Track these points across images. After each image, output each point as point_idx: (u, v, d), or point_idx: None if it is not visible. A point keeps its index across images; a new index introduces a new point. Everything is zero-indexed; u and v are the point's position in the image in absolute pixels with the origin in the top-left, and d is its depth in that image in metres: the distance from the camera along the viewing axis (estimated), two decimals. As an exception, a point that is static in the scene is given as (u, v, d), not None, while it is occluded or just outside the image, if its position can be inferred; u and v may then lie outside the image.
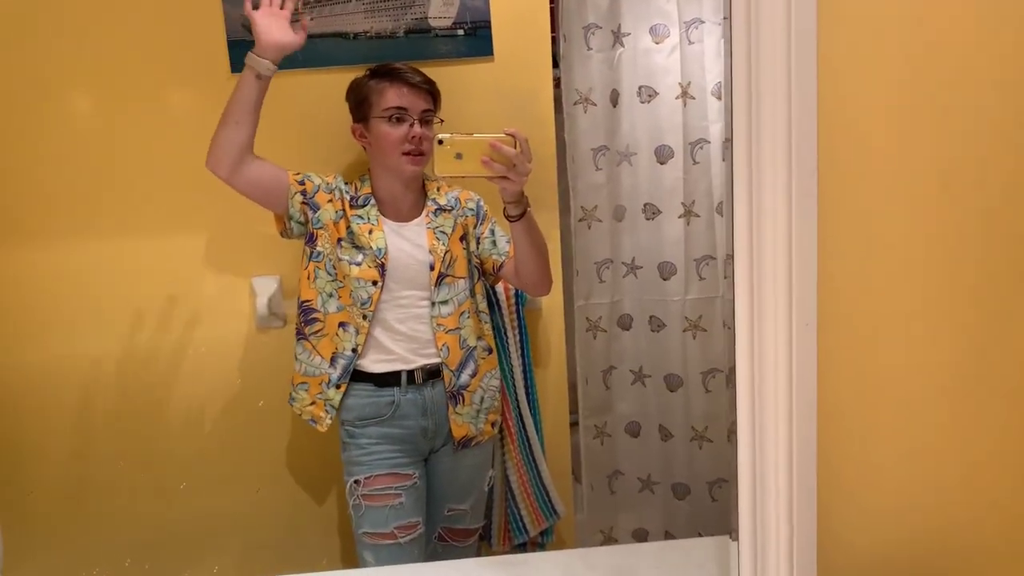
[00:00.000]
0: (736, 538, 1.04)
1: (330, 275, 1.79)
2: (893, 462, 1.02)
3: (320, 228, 1.78)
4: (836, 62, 0.92)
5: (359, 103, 1.78)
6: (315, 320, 1.80)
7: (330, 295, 1.79)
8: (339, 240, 1.77)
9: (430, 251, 1.79)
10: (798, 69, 0.91)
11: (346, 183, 1.82)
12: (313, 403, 1.81)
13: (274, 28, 1.63)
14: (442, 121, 1.81)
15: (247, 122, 1.67)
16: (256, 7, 1.65)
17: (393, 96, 1.75)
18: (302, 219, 1.79)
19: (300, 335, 1.82)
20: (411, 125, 1.74)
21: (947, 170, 0.96)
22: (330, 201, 1.78)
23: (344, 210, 1.78)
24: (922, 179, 0.96)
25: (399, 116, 1.74)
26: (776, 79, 0.92)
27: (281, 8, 1.66)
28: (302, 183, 1.78)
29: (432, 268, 1.79)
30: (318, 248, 1.79)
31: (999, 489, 1.04)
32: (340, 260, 1.77)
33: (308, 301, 1.80)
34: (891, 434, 1.01)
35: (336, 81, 1.89)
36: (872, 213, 0.97)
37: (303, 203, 1.78)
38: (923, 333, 1.00)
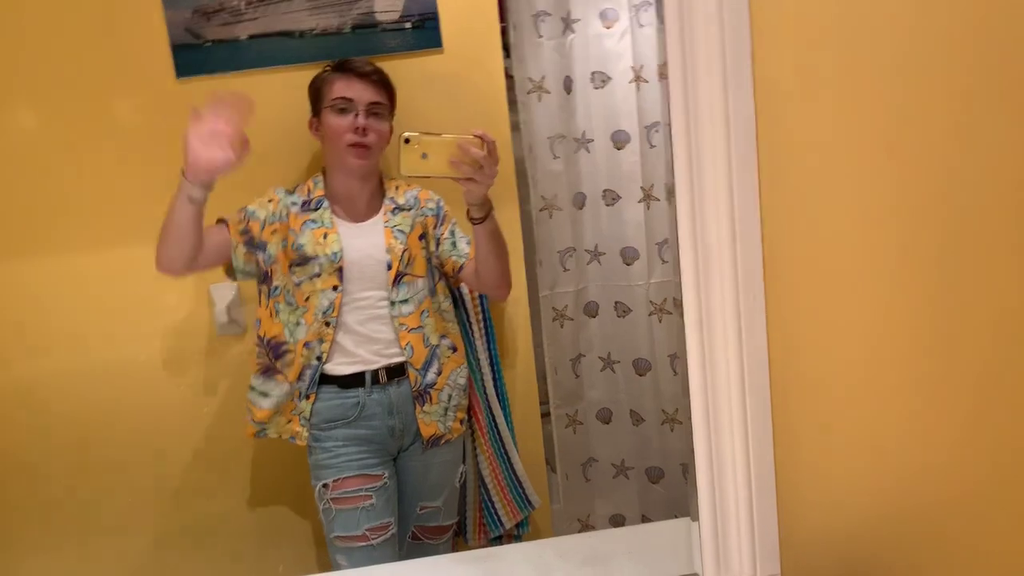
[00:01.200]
0: (696, 519, 1.04)
1: (291, 304, 1.76)
2: (849, 436, 1.02)
3: (273, 263, 1.76)
4: (770, 33, 0.92)
5: (313, 96, 1.78)
6: (286, 352, 1.77)
7: (297, 323, 1.76)
8: (291, 265, 1.74)
9: (387, 250, 1.77)
10: (732, 43, 0.91)
11: (290, 191, 1.80)
12: (289, 421, 1.79)
13: (202, 149, 1.49)
14: (393, 114, 1.79)
15: (189, 238, 1.60)
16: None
17: (340, 86, 1.73)
18: (250, 268, 1.77)
19: (269, 371, 1.78)
20: (356, 115, 1.72)
21: (890, 136, 0.96)
22: (275, 231, 1.75)
23: (282, 216, 1.75)
24: (867, 147, 0.96)
25: (343, 107, 1.73)
26: (711, 56, 0.92)
27: (220, 124, 1.49)
28: (245, 231, 1.75)
29: (390, 267, 1.77)
30: (275, 283, 1.76)
31: (956, 464, 1.04)
32: (298, 286, 1.74)
33: (275, 337, 1.77)
34: (846, 408, 1.01)
35: (284, 81, 1.88)
36: (816, 185, 0.96)
37: (247, 252, 1.75)
38: (875, 306, 1.00)
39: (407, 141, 1.53)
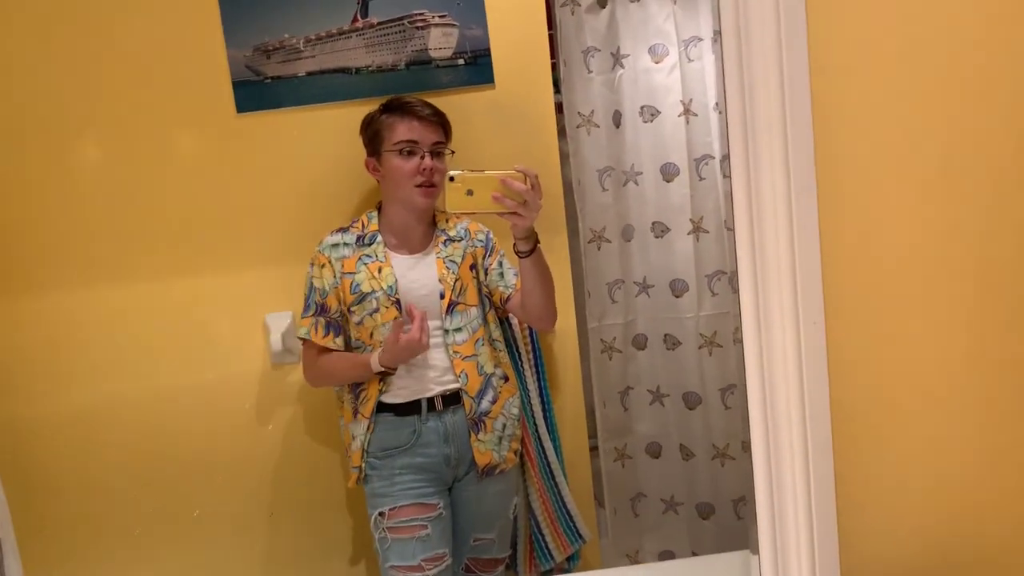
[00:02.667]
0: (757, 551, 1.03)
1: (359, 346, 1.82)
2: (910, 463, 1.00)
3: (340, 317, 1.83)
4: (828, 62, 0.93)
5: (371, 138, 1.81)
6: (363, 391, 1.81)
7: None
8: (350, 306, 1.79)
9: (440, 280, 1.80)
10: (790, 75, 0.91)
11: (344, 229, 1.84)
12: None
13: (406, 357, 1.74)
14: (453, 152, 1.82)
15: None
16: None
17: (404, 130, 1.77)
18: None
19: (356, 414, 1.83)
20: (422, 157, 1.76)
21: (946, 160, 0.96)
22: (335, 288, 1.81)
23: (338, 275, 1.80)
24: (921, 170, 0.96)
25: (410, 149, 1.76)
26: (769, 88, 0.93)
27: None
28: (328, 318, 1.82)
29: (443, 296, 1.79)
30: (349, 330, 1.82)
31: (1020, 482, 1.02)
32: (360, 324, 1.79)
33: (360, 382, 1.82)
34: (907, 433, 1.00)
35: (340, 116, 1.92)
36: (873, 210, 0.96)
37: (339, 328, 1.83)
38: (932, 327, 0.99)
39: (452, 179, 1.56)
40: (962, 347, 0.99)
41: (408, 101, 1.80)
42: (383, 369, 1.75)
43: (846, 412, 0.98)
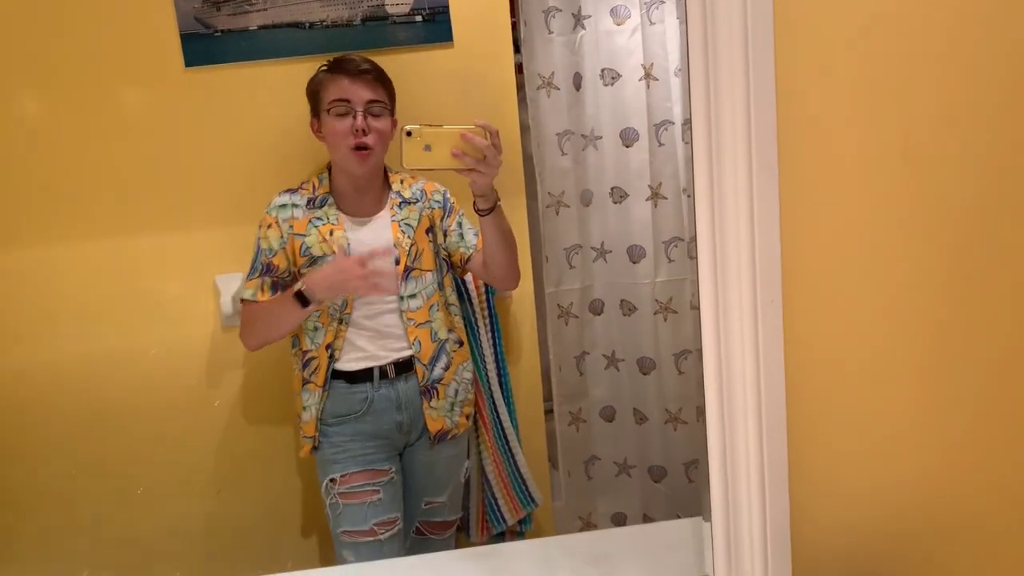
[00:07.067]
0: (709, 519, 1.04)
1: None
2: (864, 437, 1.01)
3: (289, 278, 1.76)
4: (793, 34, 0.91)
5: (311, 98, 1.75)
6: (312, 359, 1.77)
7: (315, 328, 1.76)
8: (299, 269, 1.74)
9: (395, 244, 1.76)
10: (755, 43, 0.90)
11: (293, 190, 1.78)
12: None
13: (361, 283, 1.66)
14: (392, 113, 1.76)
15: (288, 332, 1.78)
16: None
17: (335, 89, 1.70)
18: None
19: (305, 383, 1.79)
20: (354, 117, 1.70)
21: (908, 141, 0.95)
22: (283, 248, 1.75)
23: (285, 235, 1.74)
24: (883, 150, 0.96)
25: (343, 109, 1.70)
26: (733, 54, 0.91)
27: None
28: (275, 277, 1.75)
29: (398, 262, 1.76)
30: None
31: (971, 461, 1.04)
32: None
33: (306, 349, 1.78)
34: (861, 409, 1.01)
35: (292, 72, 1.87)
36: (834, 186, 0.96)
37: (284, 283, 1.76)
38: (891, 309, 0.99)
39: (409, 134, 1.52)
40: (917, 319, 1.00)
41: (343, 58, 1.73)
42: (305, 295, 1.65)
43: (800, 380, 0.98)
